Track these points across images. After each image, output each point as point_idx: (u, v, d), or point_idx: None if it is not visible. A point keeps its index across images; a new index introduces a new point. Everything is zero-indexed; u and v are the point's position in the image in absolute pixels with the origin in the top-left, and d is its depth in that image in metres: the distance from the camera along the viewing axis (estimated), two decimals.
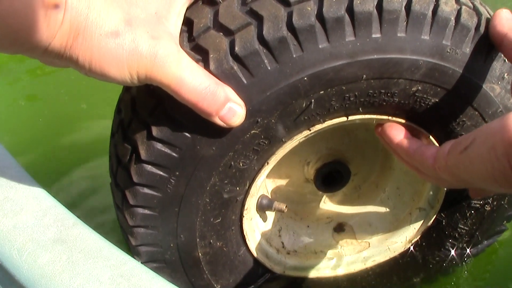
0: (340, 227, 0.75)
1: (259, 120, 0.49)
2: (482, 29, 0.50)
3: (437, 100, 0.52)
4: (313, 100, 0.49)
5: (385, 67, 0.48)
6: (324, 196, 0.76)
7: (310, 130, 0.53)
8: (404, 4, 0.47)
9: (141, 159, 0.51)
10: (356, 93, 0.50)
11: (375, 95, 0.51)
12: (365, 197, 0.75)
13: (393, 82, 0.50)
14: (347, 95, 0.50)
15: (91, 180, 1.00)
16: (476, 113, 0.54)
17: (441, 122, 0.54)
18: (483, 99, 0.53)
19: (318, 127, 0.53)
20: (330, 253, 0.73)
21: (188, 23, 0.49)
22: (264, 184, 0.68)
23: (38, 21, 0.38)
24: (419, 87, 0.51)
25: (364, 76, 0.49)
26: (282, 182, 0.72)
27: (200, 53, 0.47)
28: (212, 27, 0.48)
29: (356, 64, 0.48)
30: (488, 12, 0.53)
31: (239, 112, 0.47)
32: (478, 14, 0.50)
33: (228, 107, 0.46)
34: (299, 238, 0.73)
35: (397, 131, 0.54)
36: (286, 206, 0.64)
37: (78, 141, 1.07)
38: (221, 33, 0.47)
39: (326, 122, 0.53)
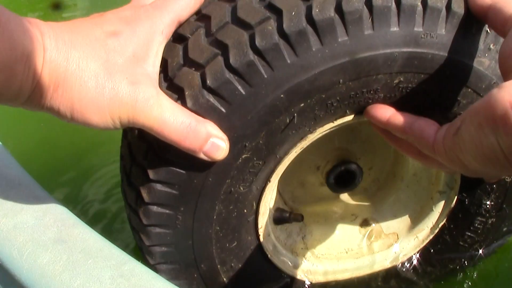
0: (366, 223, 0.74)
1: (246, 144, 0.50)
2: (454, 6, 0.48)
3: (424, 86, 0.51)
4: (295, 114, 0.50)
5: (360, 67, 0.48)
6: (345, 194, 0.76)
7: (302, 142, 0.53)
8: (364, 1, 0.46)
9: (145, 201, 0.52)
10: (338, 98, 0.50)
11: (357, 95, 0.50)
12: (385, 189, 0.74)
13: (373, 80, 0.49)
14: (329, 102, 0.50)
15: (91, 182, 1.02)
16: (469, 90, 0.52)
17: (435, 106, 0.53)
18: (473, 75, 0.51)
19: (310, 137, 0.53)
20: (360, 251, 0.73)
21: (164, 62, 0.50)
22: (277, 197, 0.68)
23: (17, 75, 0.39)
24: (401, 78, 0.50)
25: (341, 80, 0.48)
26: (298, 190, 0.72)
27: (176, 91, 0.48)
28: (184, 64, 0.49)
29: (329, 71, 0.47)
30: None
31: (222, 146, 0.48)
32: None
33: (211, 142, 0.47)
34: (326, 241, 0.73)
35: (384, 109, 0.51)
36: (302, 216, 0.65)
37: (78, 143, 1.10)
38: (193, 69, 0.48)
39: (317, 131, 0.53)
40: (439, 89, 0.51)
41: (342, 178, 0.68)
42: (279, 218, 0.65)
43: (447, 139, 0.45)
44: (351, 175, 0.67)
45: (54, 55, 0.41)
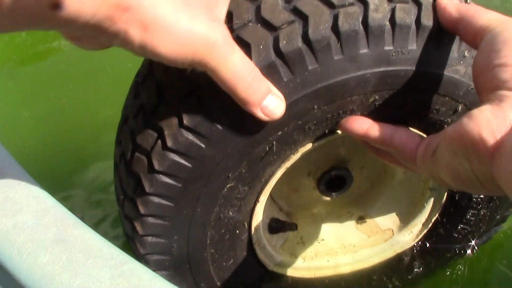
0: (362, 219, 0.76)
1: (229, 174, 0.51)
2: (424, 20, 0.48)
3: (400, 101, 0.51)
4: (274, 142, 0.50)
5: (333, 92, 0.48)
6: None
7: (286, 163, 0.54)
8: (330, 27, 0.46)
9: (139, 233, 0.54)
10: (315, 122, 0.50)
11: (334, 116, 0.51)
12: (378, 186, 0.75)
13: (347, 101, 0.49)
14: (307, 127, 0.50)
15: (92, 182, 1.04)
16: (447, 98, 0.52)
17: (413, 118, 0.53)
18: (449, 84, 0.51)
19: (293, 157, 0.54)
20: (358, 245, 0.75)
21: None
22: (271, 206, 0.70)
23: None
24: (376, 97, 0.50)
25: (315, 106, 0.49)
26: (292, 195, 0.74)
27: (156, 131, 0.49)
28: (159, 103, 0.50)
29: (302, 99, 0.48)
30: None
31: (280, 104, 0.46)
32: (418, 4, 0.48)
33: (270, 98, 0.45)
34: (323, 239, 0.75)
35: (360, 121, 0.51)
36: (296, 225, 0.66)
37: (79, 144, 1.12)
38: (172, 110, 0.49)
39: (298, 152, 0.54)
40: (416, 101, 0.52)
41: (333, 183, 0.69)
42: (274, 228, 0.66)
43: (426, 158, 0.45)
44: (341, 180, 0.68)
45: None
